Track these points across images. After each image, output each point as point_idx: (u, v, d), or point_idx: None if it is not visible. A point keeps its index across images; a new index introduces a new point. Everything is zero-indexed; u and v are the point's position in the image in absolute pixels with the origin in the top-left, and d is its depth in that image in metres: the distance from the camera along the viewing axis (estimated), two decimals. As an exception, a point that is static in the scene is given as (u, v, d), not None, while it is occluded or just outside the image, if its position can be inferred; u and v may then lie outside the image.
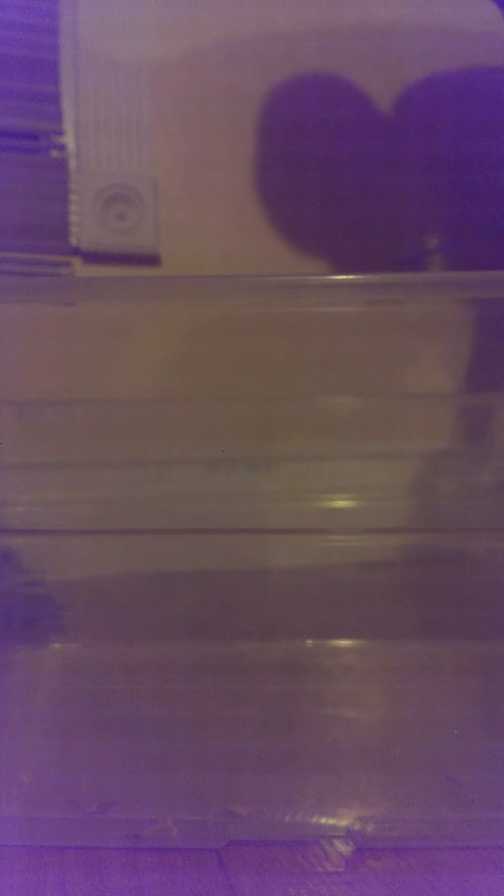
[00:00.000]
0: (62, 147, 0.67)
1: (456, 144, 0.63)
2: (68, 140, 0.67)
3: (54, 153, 0.67)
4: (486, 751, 0.40)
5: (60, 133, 0.67)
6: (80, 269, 0.66)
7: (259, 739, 0.40)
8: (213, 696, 0.44)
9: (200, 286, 0.41)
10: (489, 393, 0.46)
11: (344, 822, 0.35)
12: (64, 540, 0.46)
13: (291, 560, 0.48)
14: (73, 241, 0.67)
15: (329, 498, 0.47)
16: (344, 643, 0.48)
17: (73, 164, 0.67)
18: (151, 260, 0.66)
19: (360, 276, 0.39)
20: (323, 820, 0.35)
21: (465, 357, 0.46)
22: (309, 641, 0.48)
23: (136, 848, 0.34)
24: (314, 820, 0.35)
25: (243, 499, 0.48)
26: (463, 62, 0.64)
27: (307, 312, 0.43)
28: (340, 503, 0.47)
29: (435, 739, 0.41)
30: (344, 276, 0.39)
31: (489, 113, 0.63)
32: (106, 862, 0.33)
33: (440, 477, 0.48)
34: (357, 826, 0.35)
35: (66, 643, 0.48)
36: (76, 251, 0.66)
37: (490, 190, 0.62)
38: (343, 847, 0.34)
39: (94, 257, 0.66)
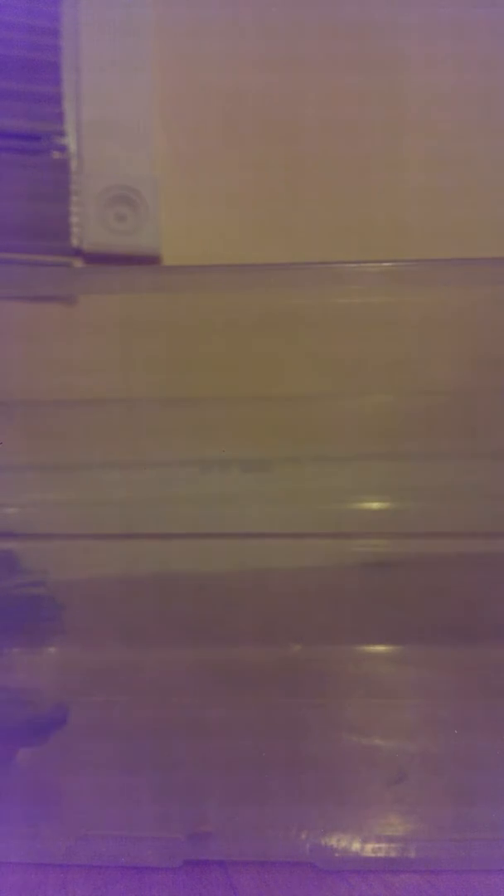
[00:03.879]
0: (64, 148, 0.67)
1: None
2: (70, 141, 0.67)
3: (56, 154, 0.67)
4: (487, 751, 0.39)
5: (62, 134, 0.67)
6: (81, 269, 0.66)
7: (258, 741, 0.40)
8: (212, 699, 0.44)
9: (201, 277, 0.41)
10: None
11: (344, 823, 0.35)
12: (64, 542, 0.46)
13: (291, 563, 0.48)
14: (75, 242, 0.67)
15: (330, 500, 0.47)
16: (343, 647, 0.48)
17: (74, 165, 0.67)
18: (152, 261, 0.66)
19: (364, 265, 0.38)
20: (322, 820, 0.35)
21: (467, 352, 0.46)
22: (306, 646, 0.48)
23: (138, 847, 0.34)
24: (313, 820, 0.35)
25: (244, 501, 0.48)
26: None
27: (310, 305, 0.43)
28: (341, 506, 0.47)
29: (435, 739, 0.41)
30: (351, 264, 0.39)
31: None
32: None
33: (443, 478, 0.48)
34: (358, 827, 0.35)
35: (64, 646, 0.48)
36: (78, 252, 0.67)
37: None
38: (342, 848, 0.34)
39: (95, 258, 0.66)
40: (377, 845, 0.34)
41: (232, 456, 0.46)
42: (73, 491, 0.46)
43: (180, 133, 0.67)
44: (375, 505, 0.46)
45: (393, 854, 0.33)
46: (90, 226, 0.66)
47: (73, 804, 0.36)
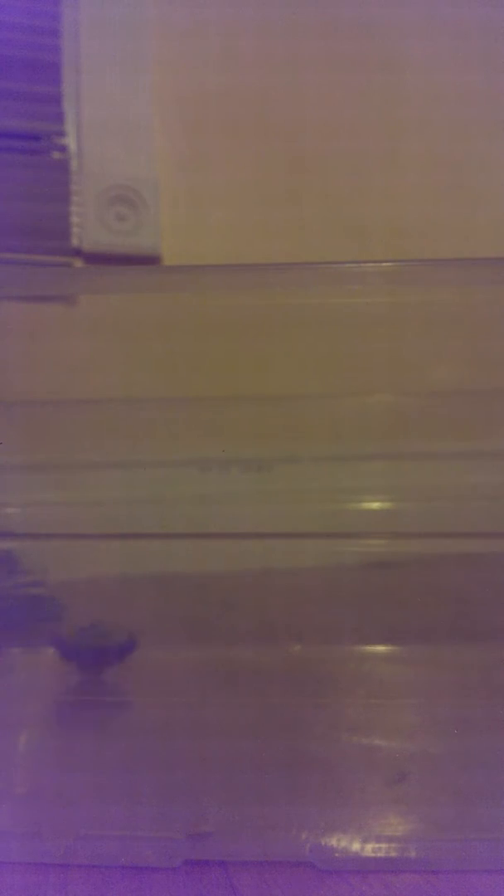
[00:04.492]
0: (64, 148, 0.67)
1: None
2: (70, 141, 0.67)
3: (56, 154, 0.67)
4: (487, 751, 0.39)
5: (62, 134, 0.67)
6: (81, 269, 0.66)
7: (258, 741, 0.40)
8: (212, 699, 0.44)
9: (201, 277, 0.41)
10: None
11: (344, 823, 0.35)
12: (64, 542, 0.46)
13: (291, 563, 0.48)
14: (75, 241, 0.67)
15: (329, 500, 0.47)
16: (343, 647, 0.48)
17: (74, 165, 0.67)
18: (152, 261, 0.67)
19: (364, 265, 0.38)
20: (322, 820, 0.35)
21: (467, 352, 0.46)
22: (306, 646, 0.48)
23: (138, 847, 0.34)
24: (313, 820, 0.35)
25: (244, 501, 0.48)
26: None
27: (310, 305, 0.43)
28: (341, 506, 0.47)
29: (435, 739, 0.41)
30: (351, 264, 0.39)
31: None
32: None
33: (443, 478, 0.48)
34: (358, 827, 0.35)
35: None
36: (78, 252, 0.67)
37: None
38: (342, 848, 0.34)
39: (95, 258, 0.66)
40: (377, 845, 0.34)
41: (232, 456, 0.46)
42: (73, 491, 0.46)
43: (180, 133, 0.67)
44: (375, 505, 0.46)
45: (393, 854, 0.33)
46: (90, 226, 0.66)
47: (73, 804, 0.36)
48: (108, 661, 0.46)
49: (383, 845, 0.34)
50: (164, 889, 0.32)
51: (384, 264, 0.39)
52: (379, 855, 0.33)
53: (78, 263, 0.66)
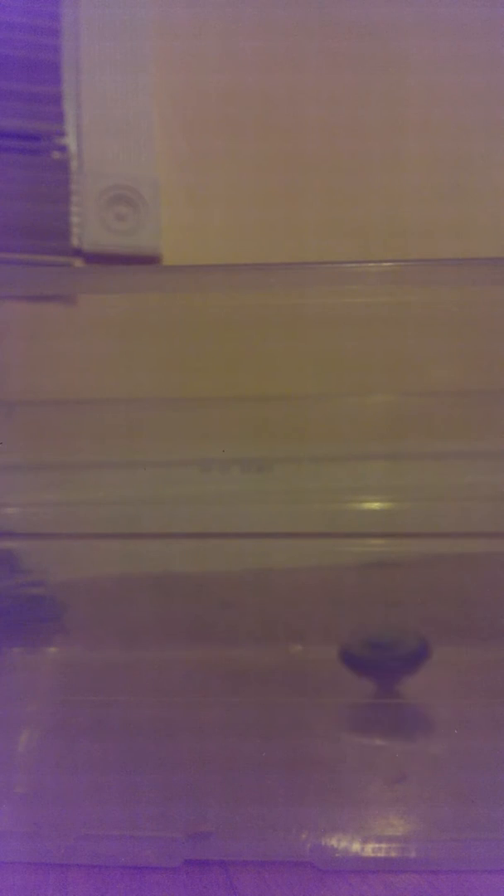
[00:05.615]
0: (64, 148, 0.67)
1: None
2: (70, 141, 0.67)
3: (56, 154, 0.67)
4: (487, 751, 0.39)
5: (62, 134, 0.67)
6: (81, 270, 0.66)
7: (258, 741, 0.40)
8: (212, 699, 0.44)
9: (201, 277, 0.41)
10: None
11: (344, 823, 0.35)
12: (64, 542, 0.46)
13: (291, 563, 0.48)
14: (75, 242, 0.67)
15: (329, 500, 0.47)
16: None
17: (74, 165, 0.67)
18: (153, 261, 0.66)
19: (364, 265, 0.38)
20: (322, 820, 0.35)
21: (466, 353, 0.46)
22: (306, 646, 0.48)
23: (138, 847, 0.34)
24: (314, 820, 0.35)
25: (244, 501, 0.48)
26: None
27: (310, 305, 0.43)
28: (341, 506, 0.47)
29: (435, 739, 0.41)
30: (351, 264, 0.39)
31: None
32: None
33: (443, 478, 0.48)
34: (358, 827, 0.35)
35: (64, 646, 0.48)
36: (78, 252, 0.67)
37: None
38: (342, 848, 0.34)
39: (95, 258, 0.66)
40: (377, 845, 0.34)
41: (232, 456, 0.46)
42: (73, 491, 0.46)
43: (180, 133, 0.67)
44: (375, 505, 0.46)
45: (393, 854, 0.33)
46: (90, 226, 0.66)
47: (73, 804, 0.36)
48: (404, 671, 0.44)
49: (383, 845, 0.34)
50: (164, 889, 0.32)
51: (384, 264, 0.39)
52: (379, 855, 0.33)
53: (78, 263, 0.66)
